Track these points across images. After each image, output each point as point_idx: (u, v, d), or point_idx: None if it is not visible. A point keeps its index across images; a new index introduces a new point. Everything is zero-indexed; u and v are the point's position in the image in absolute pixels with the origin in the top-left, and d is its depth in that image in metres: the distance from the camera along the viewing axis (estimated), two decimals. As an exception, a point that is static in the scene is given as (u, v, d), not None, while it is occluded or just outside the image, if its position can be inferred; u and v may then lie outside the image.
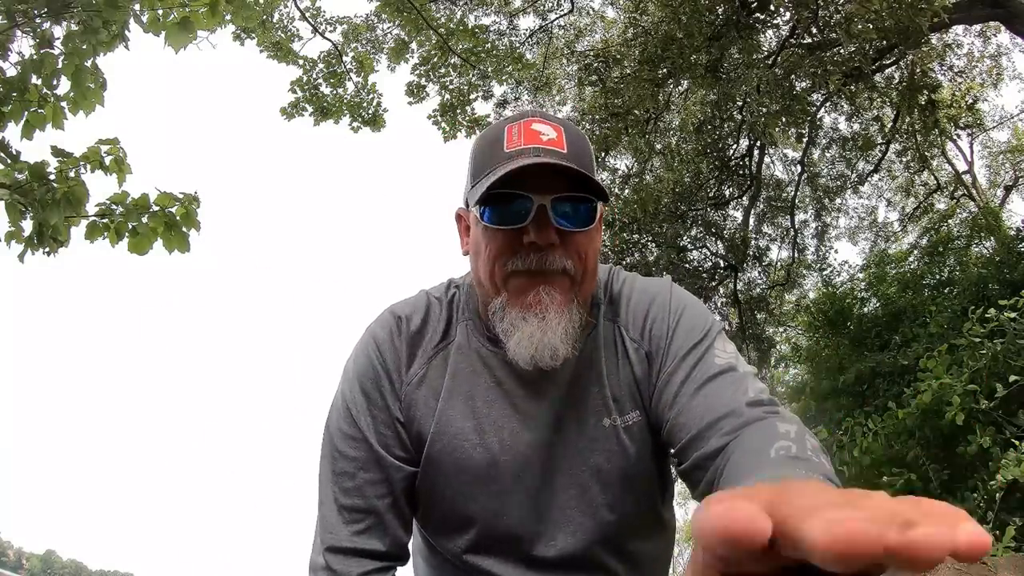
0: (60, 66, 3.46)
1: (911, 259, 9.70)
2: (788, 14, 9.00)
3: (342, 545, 1.00)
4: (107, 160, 3.32)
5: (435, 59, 9.92)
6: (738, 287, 10.52)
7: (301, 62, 9.63)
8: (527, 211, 0.96)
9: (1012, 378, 4.13)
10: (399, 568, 1.06)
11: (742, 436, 0.84)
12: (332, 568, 0.99)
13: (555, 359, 0.97)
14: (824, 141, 11.26)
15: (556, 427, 1.04)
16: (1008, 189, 13.21)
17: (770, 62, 8.83)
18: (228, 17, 4.40)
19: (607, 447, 1.04)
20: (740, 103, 9.28)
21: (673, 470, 1.13)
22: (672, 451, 0.96)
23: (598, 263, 1.08)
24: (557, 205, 0.97)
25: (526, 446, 1.04)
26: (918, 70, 9.31)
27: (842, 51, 8.41)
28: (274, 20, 9.52)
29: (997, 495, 4.01)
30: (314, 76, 9.67)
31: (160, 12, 3.52)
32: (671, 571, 1.26)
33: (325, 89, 9.69)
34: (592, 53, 10.20)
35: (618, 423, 1.04)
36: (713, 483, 0.85)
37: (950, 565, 2.73)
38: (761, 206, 11.39)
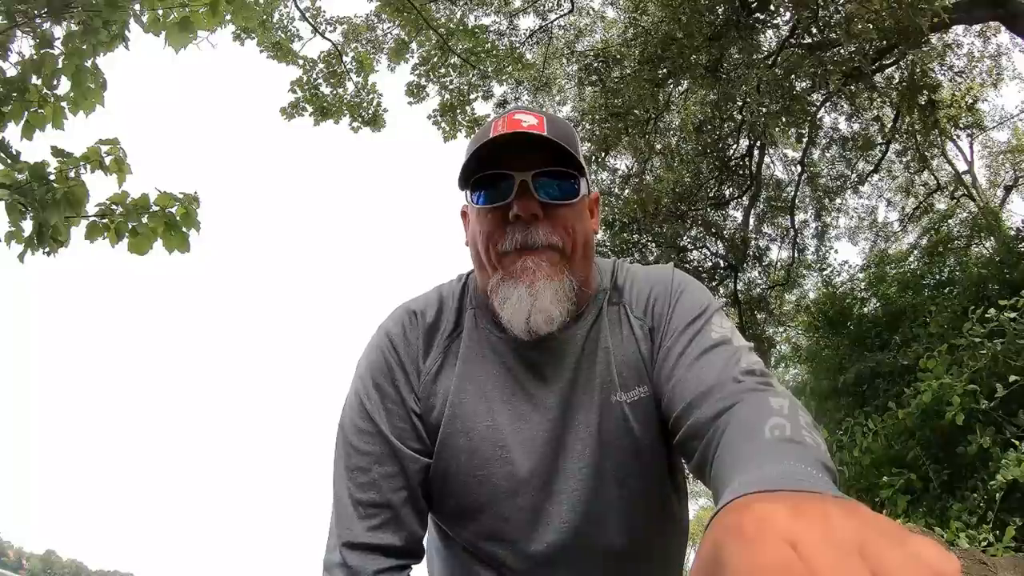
0: (60, 66, 3.45)
1: (911, 259, 9.69)
2: (788, 14, 9.01)
3: (358, 541, 1.00)
4: (107, 160, 3.32)
5: (435, 59, 9.92)
6: (738, 287, 10.53)
7: (301, 62, 9.62)
8: (510, 188, 1.01)
9: (1012, 378, 4.13)
10: (414, 566, 1.06)
11: (735, 408, 0.85)
12: (348, 564, 0.99)
13: (549, 323, 1.01)
14: (824, 141, 11.26)
15: (565, 408, 1.06)
16: (1008, 189, 13.22)
17: (770, 62, 8.83)
18: (228, 17, 4.39)
19: (614, 423, 1.05)
20: (740, 103, 9.28)
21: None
22: (669, 423, 0.98)
23: (593, 247, 1.11)
24: (539, 180, 1.02)
25: (536, 427, 1.05)
26: (918, 70, 9.31)
27: (842, 51, 8.42)
28: (274, 20, 9.51)
29: (997, 495, 4.02)
30: (314, 76, 9.67)
31: (160, 12, 3.52)
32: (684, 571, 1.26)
33: (325, 89, 9.69)
34: (592, 53, 10.20)
35: (623, 399, 1.05)
36: (708, 457, 0.85)
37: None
38: (761, 206, 11.39)
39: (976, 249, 9.01)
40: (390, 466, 1.04)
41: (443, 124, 10.06)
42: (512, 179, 1.01)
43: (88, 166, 3.27)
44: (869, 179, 12.03)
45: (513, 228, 1.02)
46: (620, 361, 1.07)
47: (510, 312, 1.01)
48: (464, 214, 1.16)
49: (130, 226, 3.41)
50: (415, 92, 10.15)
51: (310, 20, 9.53)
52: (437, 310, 1.13)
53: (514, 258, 1.02)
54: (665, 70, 9.27)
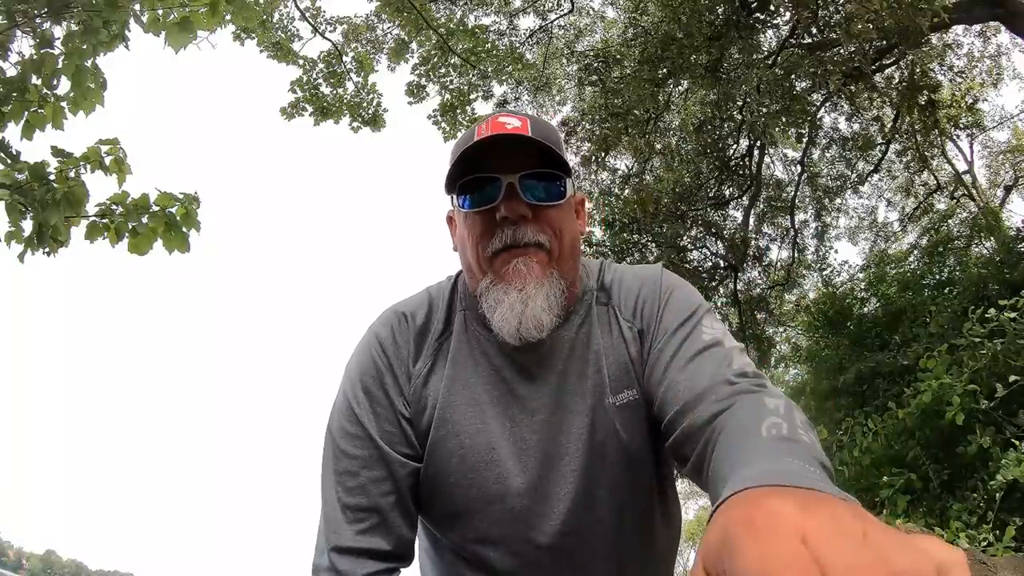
0: (60, 66, 3.45)
1: (911, 259, 9.69)
2: (788, 14, 9.00)
3: (346, 545, 1.00)
4: (107, 160, 3.31)
5: (435, 59, 9.92)
6: (738, 287, 10.52)
7: (301, 62, 9.62)
8: (497, 190, 1.02)
9: (1012, 378, 4.13)
10: (404, 569, 1.05)
11: (731, 410, 0.84)
12: (337, 569, 0.98)
13: (540, 330, 1.00)
14: (824, 141, 11.26)
15: (556, 411, 1.05)
16: (1008, 189, 13.21)
17: (770, 62, 8.83)
18: (228, 17, 4.39)
19: (604, 426, 1.04)
20: (740, 103, 9.28)
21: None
22: (661, 426, 0.97)
23: (580, 248, 1.11)
24: (525, 181, 1.02)
25: (526, 430, 1.05)
26: (918, 70, 9.30)
27: (842, 51, 8.42)
28: (274, 20, 9.51)
29: (997, 495, 4.02)
30: (314, 76, 9.67)
31: (160, 12, 3.52)
32: (676, 567, 1.26)
33: (325, 89, 9.69)
34: (592, 53, 10.20)
35: (613, 401, 1.05)
36: (704, 458, 0.84)
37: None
38: (761, 206, 11.38)
39: (976, 249, 9.00)
40: (378, 470, 1.03)
41: (443, 124, 10.06)
42: (499, 181, 1.01)
43: (88, 166, 3.26)
44: (869, 179, 12.04)
45: (501, 229, 1.02)
46: (610, 364, 1.06)
47: (500, 318, 1.01)
48: (450, 219, 1.16)
49: (130, 226, 3.41)
50: (415, 92, 10.16)
51: (310, 20, 9.54)
52: (427, 312, 1.12)
53: (504, 259, 1.02)
54: (665, 70, 9.27)
